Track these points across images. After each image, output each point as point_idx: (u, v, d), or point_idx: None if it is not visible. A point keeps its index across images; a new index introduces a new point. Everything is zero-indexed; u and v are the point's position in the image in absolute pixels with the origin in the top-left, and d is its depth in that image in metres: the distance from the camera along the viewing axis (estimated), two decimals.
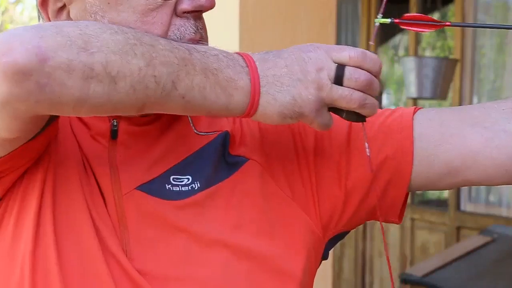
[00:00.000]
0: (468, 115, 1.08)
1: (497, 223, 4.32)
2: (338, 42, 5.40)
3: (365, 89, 0.94)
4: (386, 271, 5.30)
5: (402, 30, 6.82)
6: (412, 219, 5.08)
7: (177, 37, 1.01)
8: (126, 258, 0.99)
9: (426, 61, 4.38)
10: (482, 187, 4.84)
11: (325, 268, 4.36)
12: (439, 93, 4.24)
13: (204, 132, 1.09)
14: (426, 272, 3.74)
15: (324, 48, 0.96)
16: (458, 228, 4.80)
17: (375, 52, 5.52)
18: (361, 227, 5.42)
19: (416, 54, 5.19)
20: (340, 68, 0.94)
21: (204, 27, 1.05)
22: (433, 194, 6.39)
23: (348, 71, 0.94)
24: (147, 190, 1.03)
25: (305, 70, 0.93)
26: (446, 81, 4.31)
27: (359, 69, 0.94)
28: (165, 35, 0.99)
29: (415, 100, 4.83)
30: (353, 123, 1.08)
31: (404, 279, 3.83)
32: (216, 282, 1.00)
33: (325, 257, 1.14)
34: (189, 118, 1.09)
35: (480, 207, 4.84)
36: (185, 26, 1.02)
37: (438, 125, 1.07)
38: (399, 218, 1.12)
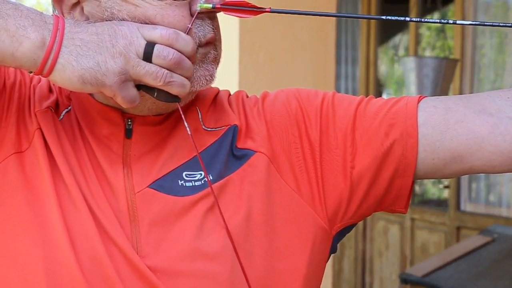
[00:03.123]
0: (473, 102, 1.08)
1: (497, 223, 4.32)
2: (338, 42, 5.40)
3: (173, 68, 0.96)
4: (386, 271, 5.30)
5: (402, 30, 6.79)
6: (412, 219, 5.08)
7: (202, 35, 1.02)
8: (137, 255, 1.00)
9: (426, 61, 4.38)
10: (482, 186, 4.84)
11: (325, 268, 4.36)
12: (439, 93, 4.24)
13: (213, 128, 1.09)
14: (426, 272, 3.74)
15: (137, 25, 0.97)
16: (458, 228, 4.80)
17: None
18: (361, 227, 5.42)
19: (416, 54, 5.19)
20: (150, 45, 0.95)
21: (218, 28, 1.06)
22: (433, 194, 6.40)
23: (157, 48, 0.95)
24: (159, 188, 1.04)
25: (115, 41, 0.94)
26: (446, 81, 4.32)
27: (168, 48, 0.96)
28: (185, 29, 1.00)
29: None
30: (358, 112, 1.09)
31: (404, 279, 3.82)
32: (226, 276, 1.01)
33: (333, 250, 1.14)
34: (199, 114, 1.10)
35: (480, 207, 4.84)
36: (203, 26, 1.03)
37: (443, 112, 1.07)
38: (406, 208, 1.12)
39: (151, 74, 0.95)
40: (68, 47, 0.93)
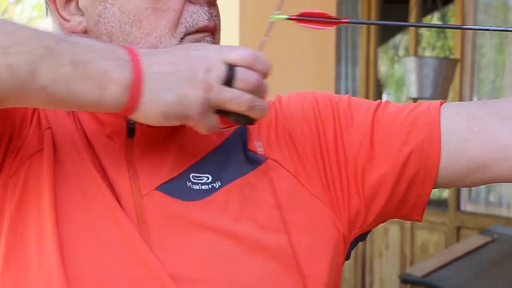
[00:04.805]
0: (496, 109, 1.04)
1: (497, 223, 4.33)
2: (338, 42, 5.40)
3: (254, 91, 0.91)
4: (386, 271, 5.30)
5: (402, 30, 6.77)
6: None
7: (190, 24, 0.98)
8: (155, 257, 0.96)
9: (426, 61, 4.38)
10: (482, 186, 4.84)
11: None
12: (439, 93, 4.24)
13: (221, 128, 1.03)
14: (426, 272, 3.74)
15: (214, 47, 0.92)
16: (458, 228, 4.80)
17: (376, 53, 5.51)
18: None
19: (416, 54, 5.19)
20: (231, 69, 0.90)
21: (218, 15, 1.02)
22: (433, 194, 6.39)
23: (238, 72, 0.90)
24: (167, 191, 1.00)
25: (193, 69, 0.89)
26: (446, 81, 4.31)
27: (249, 71, 0.90)
28: (177, 22, 0.97)
29: (415, 100, 4.83)
30: (376, 116, 1.06)
31: (404, 279, 3.83)
32: (243, 282, 0.98)
33: (348, 257, 1.10)
34: None
35: (480, 207, 4.84)
36: (198, 13, 0.99)
37: (466, 119, 1.03)
38: (421, 216, 1.09)
39: (234, 100, 0.89)
40: (149, 83, 0.87)
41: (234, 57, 0.90)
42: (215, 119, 0.92)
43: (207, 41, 1.00)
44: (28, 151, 1.00)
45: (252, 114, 0.92)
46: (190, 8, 0.99)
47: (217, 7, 1.02)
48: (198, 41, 0.99)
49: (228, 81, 0.90)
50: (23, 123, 1.01)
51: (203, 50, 0.91)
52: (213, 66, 0.89)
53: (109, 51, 0.88)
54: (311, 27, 0.98)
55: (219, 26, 1.03)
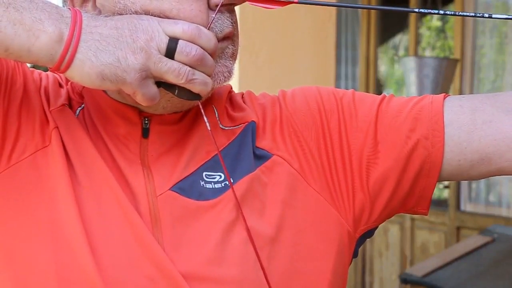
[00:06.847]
0: (501, 102, 1.05)
1: (497, 223, 4.33)
2: (338, 42, 5.40)
3: (195, 65, 0.92)
4: (386, 271, 5.30)
5: (402, 30, 6.76)
6: (412, 219, 5.08)
7: (218, 30, 0.99)
8: (167, 257, 0.96)
9: (426, 61, 4.38)
10: (482, 186, 4.84)
11: None
12: (439, 93, 4.23)
13: (230, 127, 1.06)
14: (426, 272, 3.74)
15: (157, 19, 0.93)
16: (458, 228, 4.80)
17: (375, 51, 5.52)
18: None
19: (416, 54, 5.19)
20: (172, 41, 0.92)
21: (236, 22, 1.03)
22: (433, 194, 6.39)
23: (180, 45, 0.92)
24: (181, 191, 1.00)
25: (135, 35, 0.90)
26: (446, 81, 4.32)
27: (191, 44, 0.92)
28: (206, 25, 0.96)
29: None
30: (380, 110, 1.06)
31: (404, 279, 3.83)
32: (250, 281, 0.98)
33: (355, 255, 1.11)
34: (216, 113, 1.07)
35: (480, 207, 4.84)
36: (222, 19, 0.99)
37: (470, 111, 1.04)
38: (428, 209, 1.09)
39: (173, 71, 0.91)
40: (87, 41, 0.89)
41: (177, 30, 0.92)
42: (154, 89, 0.93)
43: (230, 49, 1.02)
44: (30, 146, 1.00)
45: (192, 88, 0.93)
46: (213, 15, 0.98)
47: (236, 14, 1.03)
48: (223, 50, 1.01)
49: (170, 53, 0.92)
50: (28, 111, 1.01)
51: (146, 21, 0.92)
52: (155, 36, 0.91)
53: (51, 7, 0.90)
54: (261, 6, 1.00)
55: (237, 31, 1.04)
